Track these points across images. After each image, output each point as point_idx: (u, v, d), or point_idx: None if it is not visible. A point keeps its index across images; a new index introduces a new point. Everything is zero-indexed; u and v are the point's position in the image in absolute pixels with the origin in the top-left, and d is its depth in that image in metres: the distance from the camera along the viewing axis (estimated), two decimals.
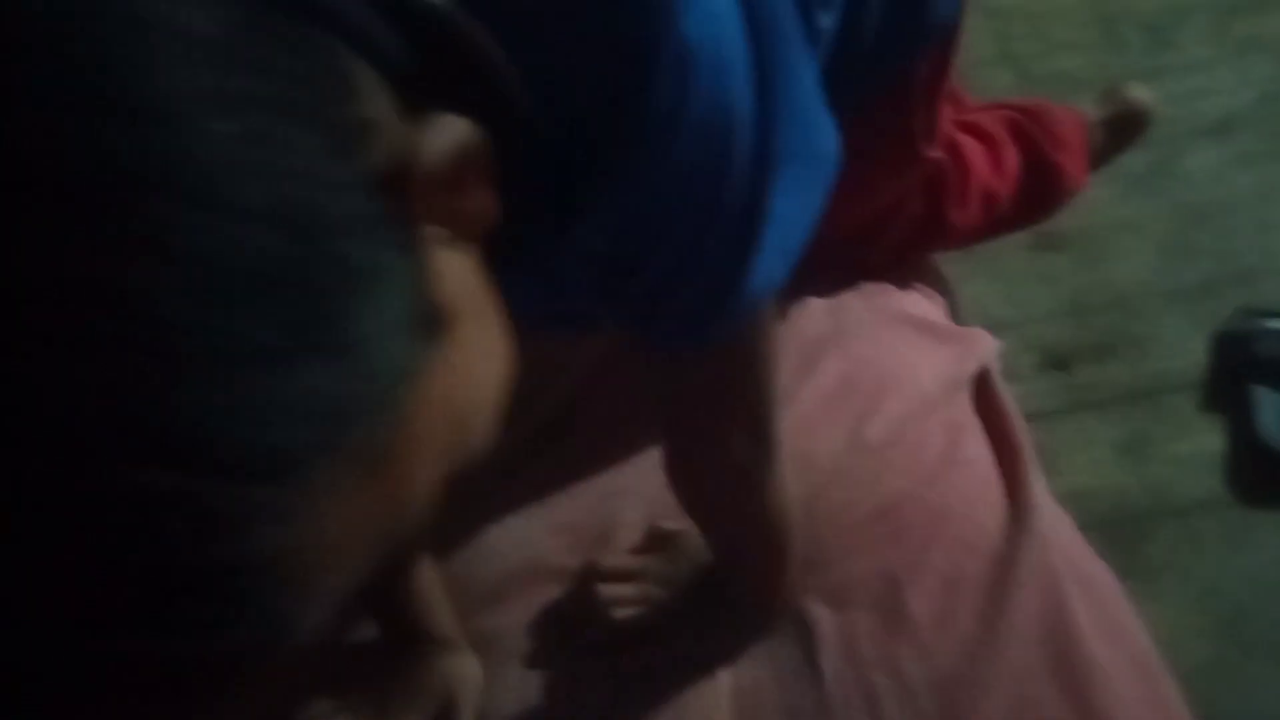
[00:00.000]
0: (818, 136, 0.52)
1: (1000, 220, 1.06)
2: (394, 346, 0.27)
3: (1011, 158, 1.07)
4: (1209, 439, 1.17)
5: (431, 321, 0.29)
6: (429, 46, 0.33)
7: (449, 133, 0.31)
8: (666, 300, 0.52)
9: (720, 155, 0.46)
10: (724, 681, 0.81)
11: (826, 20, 0.64)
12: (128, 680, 0.24)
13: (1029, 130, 1.10)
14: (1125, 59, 1.50)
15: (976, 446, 0.90)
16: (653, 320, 0.55)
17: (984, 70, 1.50)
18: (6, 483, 0.22)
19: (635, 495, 0.90)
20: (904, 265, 1.04)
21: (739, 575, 0.81)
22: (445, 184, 0.31)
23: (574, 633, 0.84)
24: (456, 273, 0.32)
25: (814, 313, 0.98)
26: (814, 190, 0.53)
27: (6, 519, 0.22)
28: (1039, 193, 1.10)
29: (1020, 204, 1.07)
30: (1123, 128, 1.31)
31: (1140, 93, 1.33)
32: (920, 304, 1.02)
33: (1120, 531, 1.09)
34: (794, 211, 0.51)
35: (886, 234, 0.99)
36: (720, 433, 0.64)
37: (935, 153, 0.91)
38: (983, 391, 0.96)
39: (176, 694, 0.25)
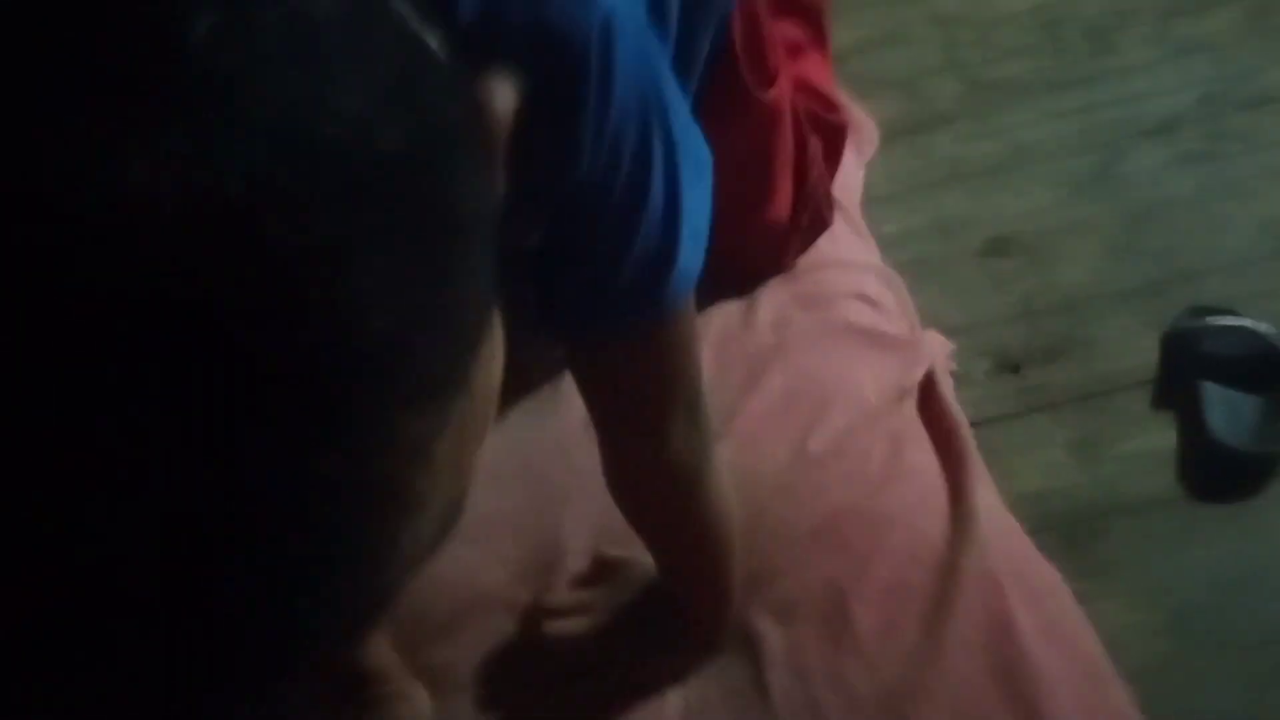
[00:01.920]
0: (695, 141, 0.55)
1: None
2: (490, 293, 0.27)
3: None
4: (1160, 437, 1.17)
5: (495, 284, 0.29)
6: None
7: (509, 96, 0.31)
8: (599, 291, 0.54)
9: (645, 131, 0.50)
10: (673, 703, 0.82)
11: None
12: (222, 608, 0.22)
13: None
14: (1068, 63, 1.51)
15: (920, 455, 0.90)
16: (585, 313, 0.56)
17: (930, 79, 1.51)
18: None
19: (580, 523, 0.90)
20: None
21: (685, 590, 0.81)
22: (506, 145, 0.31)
23: (524, 669, 0.84)
24: None
25: (758, 328, 0.99)
26: (705, 187, 0.55)
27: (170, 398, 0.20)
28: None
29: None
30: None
31: None
32: (865, 313, 1.02)
33: (1073, 531, 1.09)
34: (697, 202, 0.54)
35: (769, 184, 0.98)
36: (657, 421, 0.64)
37: (767, 96, 0.92)
38: (929, 398, 0.96)
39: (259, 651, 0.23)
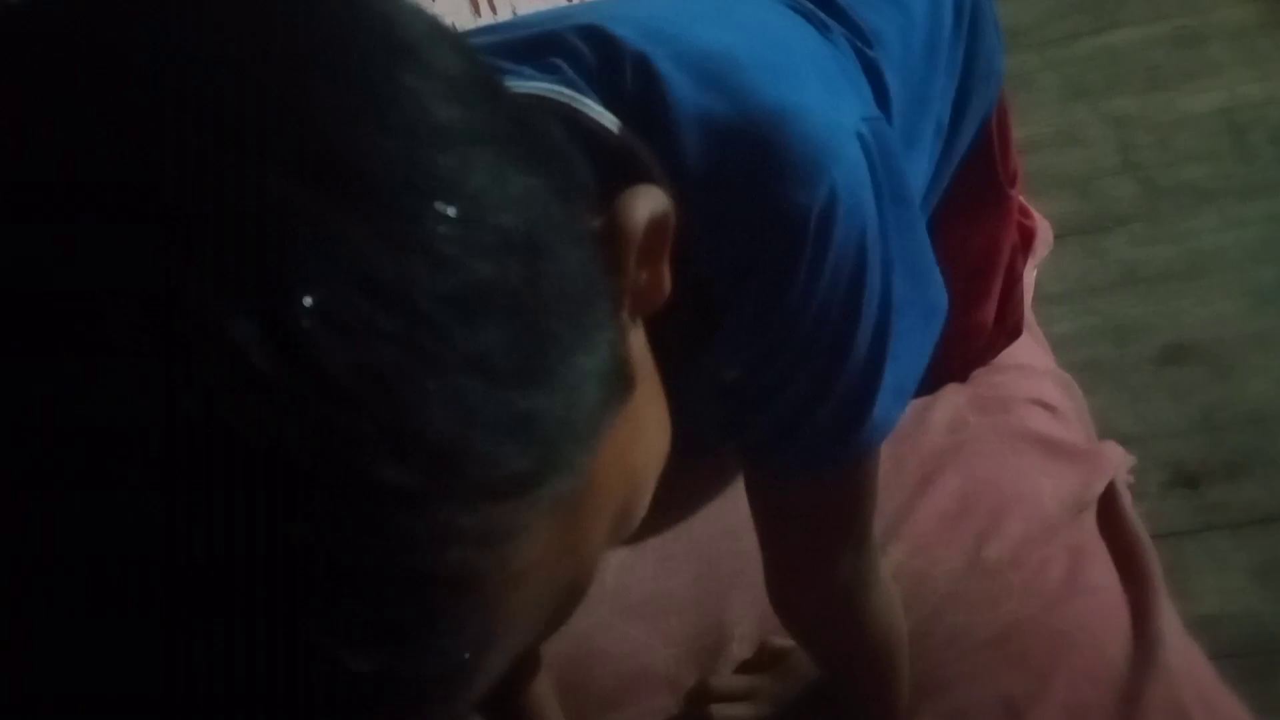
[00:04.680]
0: (930, 289, 0.55)
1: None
2: (598, 391, 0.28)
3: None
4: None
5: (623, 378, 0.30)
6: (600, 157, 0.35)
7: (649, 201, 0.33)
8: (790, 433, 0.55)
9: (856, 294, 0.50)
10: None
11: (939, 145, 0.68)
12: (298, 682, 0.24)
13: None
14: (1254, 169, 1.47)
15: (1101, 572, 0.88)
16: (771, 452, 0.57)
17: (1106, 180, 1.49)
18: (237, 453, 0.22)
19: (748, 608, 0.90)
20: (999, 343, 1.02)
21: (850, 694, 0.81)
22: (641, 250, 0.32)
23: None
24: (635, 340, 0.34)
25: (933, 428, 0.98)
26: (926, 338, 0.56)
27: (233, 488, 0.23)
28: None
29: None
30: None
31: None
32: (1043, 420, 1.01)
33: (1253, 662, 1.04)
34: (910, 355, 0.54)
35: (990, 284, 0.98)
36: (826, 551, 0.65)
37: (1018, 193, 0.93)
38: (1109, 511, 0.94)
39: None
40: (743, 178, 0.48)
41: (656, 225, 0.33)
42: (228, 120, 0.24)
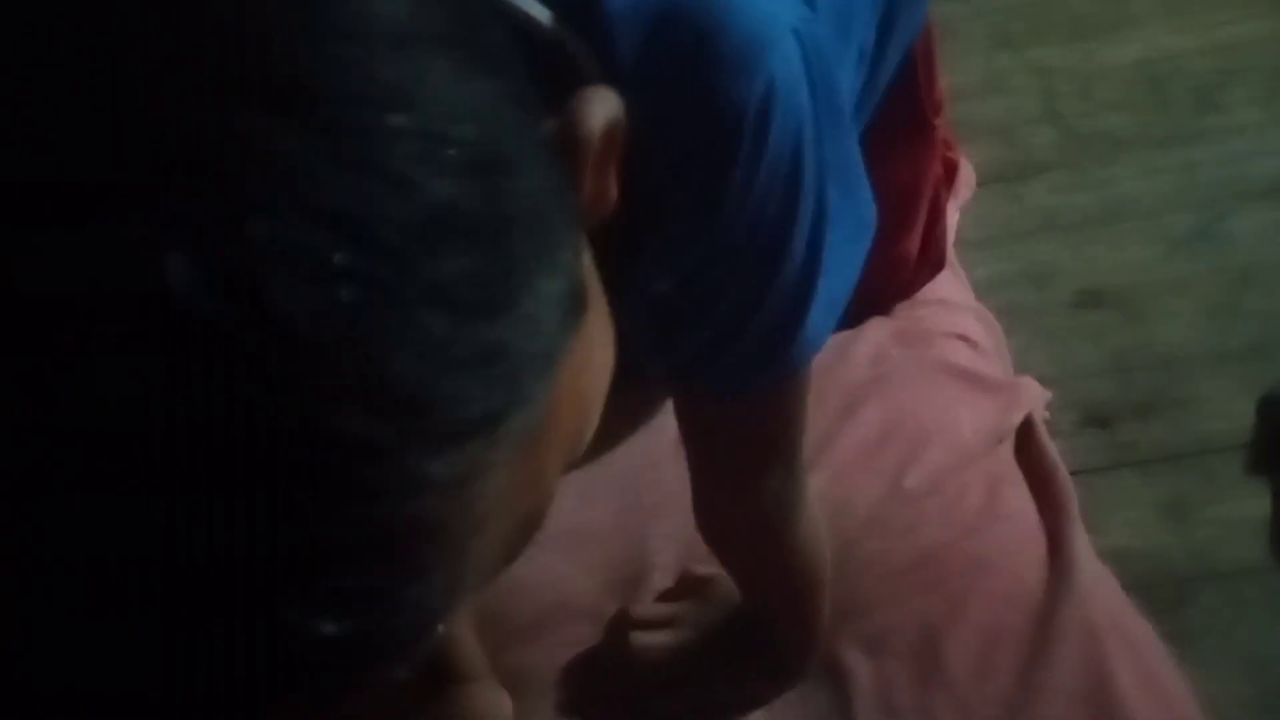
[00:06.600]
0: (860, 202, 0.55)
1: None
2: (558, 315, 0.26)
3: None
4: (1254, 504, 1.14)
5: (578, 298, 0.28)
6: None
7: (605, 106, 0.30)
8: (722, 348, 0.54)
9: (792, 195, 0.49)
10: None
11: (864, 70, 0.66)
12: (271, 657, 0.23)
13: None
14: (1172, 119, 1.49)
15: (1017, 499, 0.89)
16: (703, 368, 0.56)
17: (1028, 128, 1.50)
18: (198, 407, 0.21)
19: (669, 538, 0.89)
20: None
21: (771, 619, 0.81)
22: (595, 158, 0.30)
23: (606, 678, 0.84)
24: (584, 256, 0.32)
25: (856, 360, 0.99)
26: (857, 251, 0.55)
27: (193, 448, 0.21)
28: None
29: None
30: None
31: None
32: (964, 354, 1.02)
33: (1160, 593, 1.06)
34: (841, 268, 0.54)
35: (914, 215, 0.98)
36: (755, 472, 0.64)
37: (941, 122, 0.93)
38: (1027, 442, 0.95)
39: (309, 685, 0.23)
40: (677, 71, 0.46)
41: (611, 132, 0.30)
42: (157, 39, 0.21)
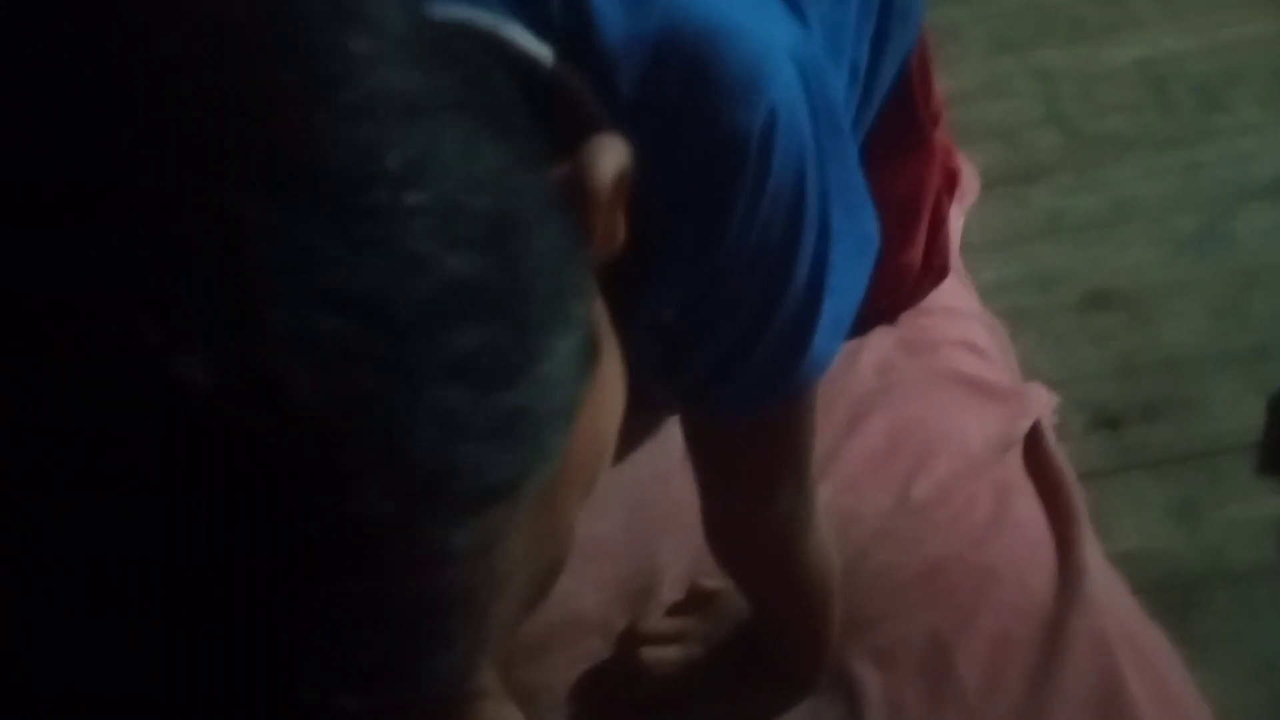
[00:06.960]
0: (863, 220, 0.55)
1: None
2: (575, 368, 0.26)
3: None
4: (1264, 504, 1.14)
5: (593, 346, 0.28)
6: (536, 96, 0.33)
7: (614, 156, 0.30)
8: (728, 371, 0.54)
9: (795, 221, 0.49)
10: None
11: (858, 89, 0.67)
12: None
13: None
14: (1175, 120, 1.49)
15: (1026, 508, 0.89)
16: (710, 391, 0.56)
17: (1031, 131, 1.50)
18: (232, 505, 0.21)
19: (677, 552, 0.90)
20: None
21: (781, 633, 0.81)
22: (608, 205, 0.30)
23: (616, 693, 0.84)
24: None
25: (862, 370, 0.99)
26: (861, 270, 0.55)
27: (217, 540, 0.21)
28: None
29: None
30: None
31: None
32: (970, 361, 1.02)
33: (1171, 596, 1.07)
34: (846, 287, 0.54)
35: (916, 226, 0.98)
36: (764, 489, 0.64)
37: (941, 134, 0.93)
38: (1035, 449, 0.95)
39: None
40: (678, 101, 0.46)
41: (620, 180, 0.30)
42: (166, 125, 0.21)
